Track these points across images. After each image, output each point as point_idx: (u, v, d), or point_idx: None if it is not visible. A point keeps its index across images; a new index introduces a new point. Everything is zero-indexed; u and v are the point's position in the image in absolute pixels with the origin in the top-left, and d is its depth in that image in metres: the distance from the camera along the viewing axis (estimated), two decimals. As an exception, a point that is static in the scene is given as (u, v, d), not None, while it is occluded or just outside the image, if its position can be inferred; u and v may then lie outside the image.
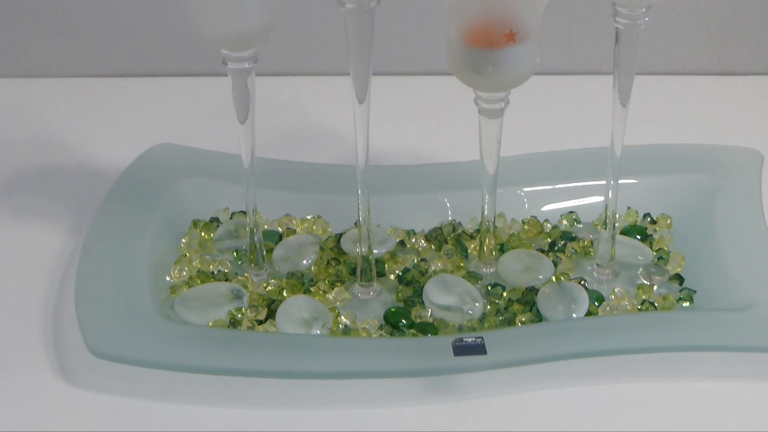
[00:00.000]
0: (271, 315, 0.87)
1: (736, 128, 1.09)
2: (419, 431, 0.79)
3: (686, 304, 0.88)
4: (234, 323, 0.86)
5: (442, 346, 0.81)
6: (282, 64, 1.17)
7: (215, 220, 0.95)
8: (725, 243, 0.90)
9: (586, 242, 0.93)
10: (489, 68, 0.78)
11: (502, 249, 0.92)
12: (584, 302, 0.87)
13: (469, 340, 0.81)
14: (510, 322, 0.86)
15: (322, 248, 0.93)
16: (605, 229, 0.89)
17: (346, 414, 0.80)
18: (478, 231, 0.93)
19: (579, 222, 0.95)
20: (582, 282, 0.89)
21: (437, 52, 1.16)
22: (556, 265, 0.91)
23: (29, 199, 1.00)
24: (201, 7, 0.79)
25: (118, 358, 0.81)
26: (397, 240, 0.93)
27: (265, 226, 0.95)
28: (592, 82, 1.16)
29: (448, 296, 0.87)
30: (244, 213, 0.94)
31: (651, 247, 0.93)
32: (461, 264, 0.91)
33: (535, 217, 0.95)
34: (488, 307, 0.88)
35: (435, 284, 0.88)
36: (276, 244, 0.93)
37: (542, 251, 0.92)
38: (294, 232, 0.95)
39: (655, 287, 0.90)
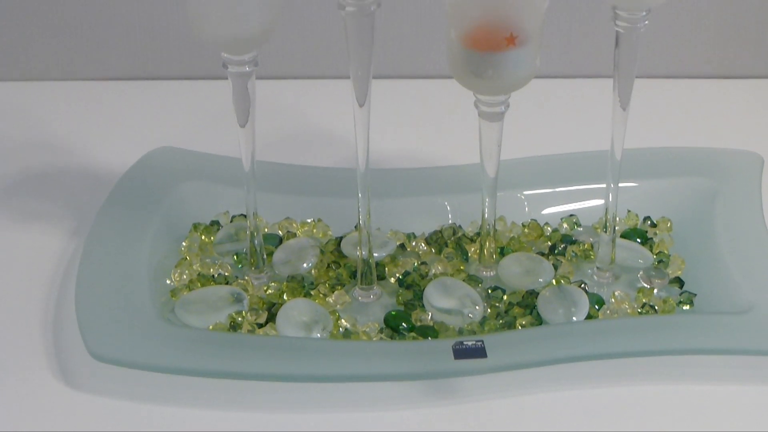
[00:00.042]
0: (271, 318, 0.87)
1: (736, 131, 1.09)
2: (419, 434, 0.79)
3: (686, 307, 0.88)
4: (234, 326, 0.86)
5: (443, 350, 0.81)
6: (282, 67, 1.17)
7: (216, 224, 0.95)
8: (725, 246, 0.90)
9: (586, 245, 0.93)
10: (489, 71, 0.78)
11: (502, 252, 0.92)
12: (584, 305, 0.87)
13: (470, 343, 0.81)
14: (510, 325, 0.86)
15: (322, 251, 0.93)
16: (605, 232, 0.89)
17: (347, 417, 0.80)
18: (478, 234, 0.93)
19: (579, 225, 0.95)
20: (582, 285, 0.89)
21: (437, 55, 1.16)
22: (556, 268, 0.91)
23: (30, 202, 1.00)
24: (201, 10, 0.79)
25: (118, 361, 0.81)
26: (398, 243, 0.93)
27: (266, 230, 0.95)
28: (593, 86, 1.16)
29: (448, 299, 0.87)
30: (245, 216, 0.94)
31: (651, 251, 0.93)
32: (461, 267, 0.91)
33: (536, 220, 0.95)
34: (488, 310, 0.88)
35: (435, 287, 0.88)
36: (276, 247, 0.93)
37: (542, 254, 0.92)
38: (294, 235, 0.95)
39: (655, 290, 0.90)
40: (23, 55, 1.17)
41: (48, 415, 0.80)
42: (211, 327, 0.86)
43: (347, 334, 0.86)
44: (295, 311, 0.86)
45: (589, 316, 0.87)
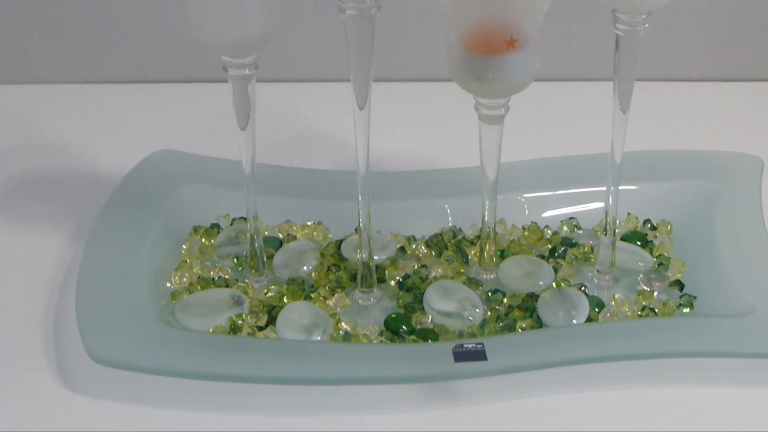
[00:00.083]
0: (271, 321, 0.87)
1: (736, 134, 1.09)
2: (420, 437, 0.79)
3: (686, 310, 0.88)
4: (234, 329, 0.86)
5: (443, 352, 0.81)
6: (283, 70, 1.17)
7: (216, 227, 0.95)
8: (725, 249, 0.90)
9: (586, 248, 0.93)
10: (489, 74, 0.78)
11: (502, 255, 0.92)
12: (584, 308, 0.87)
13: (470, 346, 0.81)
14: (510, 328, 0.86)
15: (322, 254, 0.93)
16: (605, 235, 0.89)
17: (347, 420, 0.80)
18: (478, 237, 0.93)
19: (579, 228, 0.95)
20: (582, 288, 0.89)
21: (437, 58, 1.16)
22: (556, 271, 0.91)
23: (30, 205, 1.00)
24: (202, 13, 0.79)
25: (118, 364, 0.81)
26: (398, 246, 0.93)
27: (266, 233, 0.95)
28: (593, 88, 1.16)
29: (448, 302, 0.87)
30: (245, 219, 0.94)
31: (651, 253, 0.93)
32: (462, 270, 0.91)
33: (536, 223, 0.95)
34: (488, 313, 0.88)
35: (435, 290, 0.88)
36: (276, 250, 0.93)
37: (543, 257, 0.92)
38: (294, 238, 0.95)
39: (655, 293, 0.90)
40: (24, 58, 1.17)
41: (48, 417, 0.80)
42: (211, 330, 0.86)
43: (347, 336, 0.86)
44: (296, 314, 0.86)
45: (589, 319, 0.87)
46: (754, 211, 0.93)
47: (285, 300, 0.89)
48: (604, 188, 0.88)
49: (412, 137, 1.09)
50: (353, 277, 0.90)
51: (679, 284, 0.90)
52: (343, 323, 0.87)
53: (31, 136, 1.10)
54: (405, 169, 1.01)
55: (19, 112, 1.14)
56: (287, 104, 1.14)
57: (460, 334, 0.86)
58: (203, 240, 0.94)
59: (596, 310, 0.87)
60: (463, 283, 0.89)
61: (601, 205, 0.90)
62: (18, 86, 1.18)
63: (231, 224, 0.96)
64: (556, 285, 0.90)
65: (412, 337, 0.86)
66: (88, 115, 1.13)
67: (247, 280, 0.91)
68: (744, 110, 1.14)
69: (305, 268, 0.92)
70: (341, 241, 0.94)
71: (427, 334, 0.85)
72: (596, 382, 0.82)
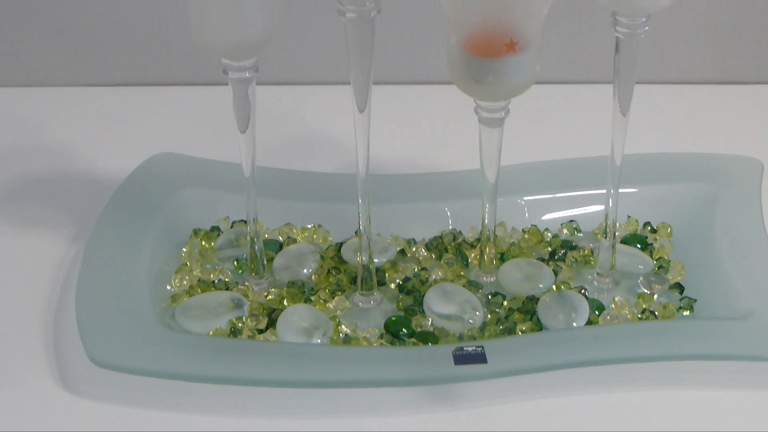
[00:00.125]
0: (271, 324, 0.87)
1: (736, 137, 1.09)
2: (420, 440, 0.79)
3: (686, 312, 0.88)
4: (234, 332, 0.86)
5: (443, 355, 0.81)
6: (283, 73, 1.17)
7: (216, 229, 0.96)
8: (725, 252, 0.90)
9: (586, 251, 0.93)
10: (489, 77, 0.78)
11: (502, 258, 0.92)
12: (584, 311, 0.87)
13: (470, 349, 0.81)
14: (510, 331, 0.86)
15: (322, 257, 0.93)
16: (605, 238, 0.89)
17: (347, 423, 0.80)
18: (478, 240, 0.93)
19: (579, 231, 0.95)
20: (582, 291, 0.89)
21: (437, 61, 1.16)
22: (556, 274, 0.91)
23: (30, 208, 1.00)
24: (202, 16, 0.79)
25: (118, 366, 0.81)
26: (398, 249, 0.93)
27: (266, 235, 0.95)
28: (593, 91, 1.16)
29: (448, 305, 0.87)
30: (245, 222, 0.94)
31: (651, 256, 0.93)
32: (462, 273, 0.91)
33: (536, 226, 0.95)
34: (489, 316, 0.88)
35: (435, 293, 0.88)
36: (276, 253, 0.93)
37: (543, 260, 0.92)
38: (295, 241, 0.95)
39: (655, 296, 0.90)
40: (24, 60, 1.17)
41: (48, 420, 0.80)
42: (211, 333, 0.86)
43: (347, 339, 0.86)
44: (296, 317, 0.86)
45: (589, 322, 0.87)
46: (754, 214, 0.93)
47: (285, 303, 0.89)
48: (604, 191, 0.88)
49: (412, 140, 1.09)
50: (353, 280, 0.91)
51: (679, 287, 0.90)
52: (343, 326, 0.87)
53: (32, 138, 1.10)
54: (405, 172, 1.01)
55: (20, 114, 1.14)
56: (287, 107, 1.14)
57: (460, 337, 0.86)
58: (203, 243, 0.94)
59: (596, 312, 0.87)
60: (463, 286, 0.89)
61: (601, 207, 0.91)
62: (18, 89, 1.18)
63: (231, 227, 0.96)
64: (556, 288, 0.90)
65: (412, 339, 0.86)
66: (88, 117, 1.14)
67: (247, 283, 0.91)
68: (744, 113, 1.14)
69: (305, 270, 0.92)
70: (341, 243, 0.94)
71: (427, 337, 0.85)
72: (596, 385, 0.82)
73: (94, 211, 0.96)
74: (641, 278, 0.91)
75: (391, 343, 0.85)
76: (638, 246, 0.94)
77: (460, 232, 0.95)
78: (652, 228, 0.95)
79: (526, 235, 0.94)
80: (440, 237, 0.94)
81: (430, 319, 0.87)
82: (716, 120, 1.12)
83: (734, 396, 0.81)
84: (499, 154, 0.84)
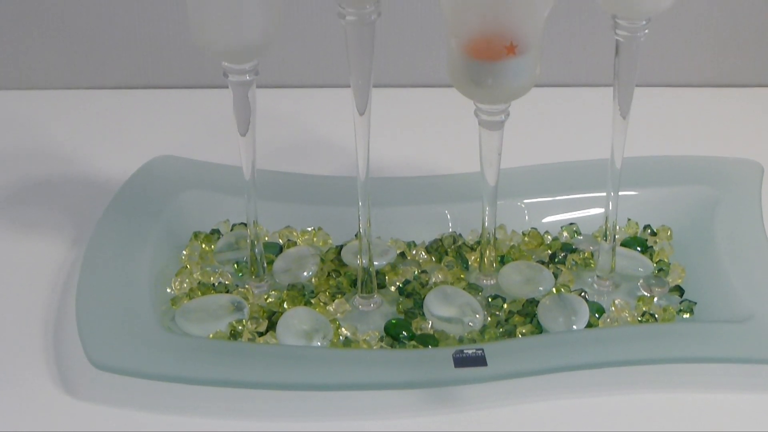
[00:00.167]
0: (271, 327, 0.87)
1: (737, 140, 1.09)
2: (420, 443, 0.79)
3: (686, 315, 0.88)
4: (235, 335, 0.86)
5: (443, 358, 0.81)
6: (283, 76, 1.17)
7: (216, 232, 0.96)
8: (725, 255, 0.90)
9: (586, 254, 0.93)
10: (489, 80, 0.78)
11: (502, 261, 0.92)
12: (585, 314, 0.87)
13: (470, 351, 0.81)
14: (510, 333, 0.86)
15: (322, 260, 0.93)
16: (605, 240, 0.89)
17: (347, 425, 0.80)
18: (478, 243, 0.93)
19: (579, 234, 0.95)
20: (582, 294, 0.89)
21: (437, 64, 1.16)
22: (556, 276, 0.91)
23: (30, 211, 1.00)
24: (202, 19, 0.79)
25: (118, 369, 0.81)
26: (398, 252, 0.93)
27: (266, 238, 0.95)
28: (593, 94, 1.16)
29: (448, 308, 0.87)
30: (245, 225, 0.94)
31: (651, 259, 0.93)
32: (462, 276, 0.91)
33: (536, 228, 0.95)
34: (489, 318, 0.88)
35: (435, 296, 0.88)
36: (277, 255, 0.93)
37: (543, 263, 0.92)
38: (295, 243, 0.95)
39: (655, 299, 0.90)
40: (24, 63, 1.17)
41: (48, 422, 0.80)
42: (211, 335, 0.86)
43: (347, 342, 0.86)
44: (296, 320, 0.86)
45: (589, 325, 0.87)
46: (754, 217, 0.93)
47: (285, 305, 0.89)
48: (604, 194, 0.88)
49: (412, 143, 1.09)
50: (353, 283, 0.91)
51: (679, 290, 0.90)
52: (343, 329, 0.87)
53: (32, 141, 1.10)
54: (405, 175, 1.01)
55: (20, 117, 1.14)
56: (287, 110, 1.14)
57: (461, 340, 0.86)
58: (203, 245, 0.94)
59: (596, 315, 0.87)
60: (464, 289, 0.89)
61: (601, 210, 0.91)
62: (19, 92, 1.18)
63: (231, 230, 0.96)
64: (556, 290, 0.90)
65: (413, 342, 0.86)
66: (88, 120, 1.14)
67: (247, 286, 0.91)
68: (744, 116, 1.14)
69: (305, 273, 0.92)
70: (341, 246, 0.94)
71: (428, 340, 0.85)
72: (596, 387, 0.82)
73: (95, 214, 0.96)
74: (641, 281, 0.91)
75: (391, 346, 0.85)
76: (638, 249, 0.94)
77: (460, 235, 0.95)
78: (652, 231, 0.95)
79: (526, 238, 0.94)
80: (440, 240, 0.94)
81: (430, 322, 0.87)
82: (716, 123, 1.12)
83: (734, 399, 0.81)
84: (499, 156, 0.84)
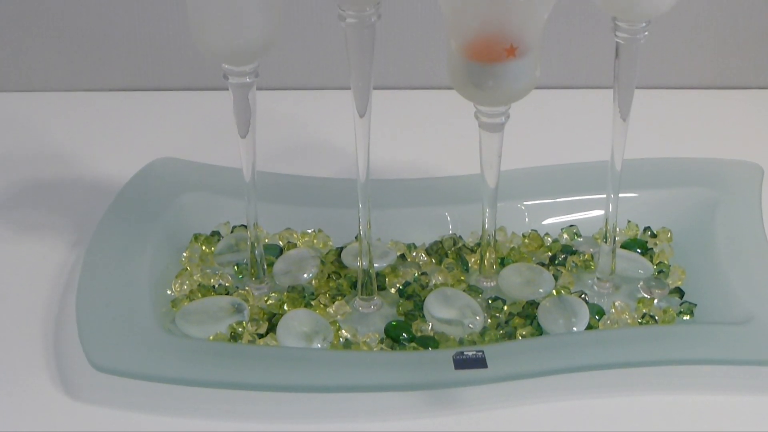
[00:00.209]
0: (271, 329, 0.87)
1: (737, 142, 1.09)
2: (420, 445, 0.79)
3: (687, 317, 0.88)
4: (235, 337, 0.86)
5: (443, 360, 0.81)
6: (283, 78, 1.17)
7: (216, 234, 0.96)
8: (726, 257, 0.90)
9: (586, 256, 0.93)
10: (489, 82, 0.78)
11: (502, 263, 0.92)
12: (585, 316, 0.87)
13: (470, 353, 0.81)
14: (511, 335, 0.86)
15: (322, 262, 0.93)
16: (606, 242, 0.90)
17: (347, 427, 0.80)
18: (478, 245, 0.93)
19: (579, 236, 0.95)
20: (582, 295, 0.89)
21: (437, 66, 1.16)
22: (556, 278, 0.91)
23: (30, 213, 1.00)
24: (202, 21, 0.79)
25: (118, 371, 0.81)
26: (398, 254, 0.93)
27: (266, 240, 0.95)
28: (593, 96, 1.16)
29: (448, 310, 0.87)
30: (245, 227, 0.94)
31: (651, 261, 0.93)
32: (462, 278, 0.91)
33: (536, 230, 0.95)
34: (489, 320, 0.88)
35: (436, 298, 0.88)
36: (277, 257, 0.93)
37: (543, 265, 0.92)
38: (295, 245, 0.95)
39: (655, 301, 0.90)
40: (24, 65, 1.17)
41: (48, 424, 0.80)
42: (211, 337, 0.86)
43: (348, 344, 0.86)
44: (296, 321, 0.86)
45: (589, 327, 0.87)
46: (754, 219, 0.93)
47: (285, 307, 0.89)
48: (605, 196, 0.89)
49: (412, 145, 1.09)
50: (353, 285, 0.91)
51: (680, 292, 0.90)
52: (343, 331, 0.87)
53: (32, 143, 1.10)
54: (405, 177, 1.01)
55: (20, 119, 1.14)
56: (287, 112, 1.14)
57: (461, 342, 0.86)
58: (204, 248, 0.94)
59: (596, 317, 0.87)
60: (464, 291, 0.89)
61: (602, 212, 0.91)
62: (18, 94, 1.18)
63: (231, 232, 0.96)
64: (557, 292, 0.90)
65: (413, 344, 0.86)
66: (88, 122, 1.14)
67: (247, 288, 0.91)
68: (744, 118, 1.14)
69: (305, 275, 0.92)
70: (341, 248, 0.94)
71: (428, 342, 0.85)
72: (596, 389, 0.82)
73: (95, 216, 0.96)
74: (641, 283, 0.91)
75: (392, 348, 0.85)
76: (638, 251, 0.94)
77: (460, 237, 0.95)
78: (653, 233, 0.95)
79: (526, 240, 0.94)
80: (440, 242, 0.94)
81: (431, 324, 0.87)
82: (716, 125, 1.12)
83: (734, 400, 0.81)
84: (500, 159, 0.85)
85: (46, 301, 0.90)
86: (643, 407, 0.81)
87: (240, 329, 0.86)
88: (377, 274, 0.90)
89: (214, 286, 0.91)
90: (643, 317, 0.87)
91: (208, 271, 0.93)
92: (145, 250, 0.91)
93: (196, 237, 0.95)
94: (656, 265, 0.92)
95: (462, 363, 0.80)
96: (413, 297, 0.89)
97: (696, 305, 0.88)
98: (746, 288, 0.87)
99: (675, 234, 0.95)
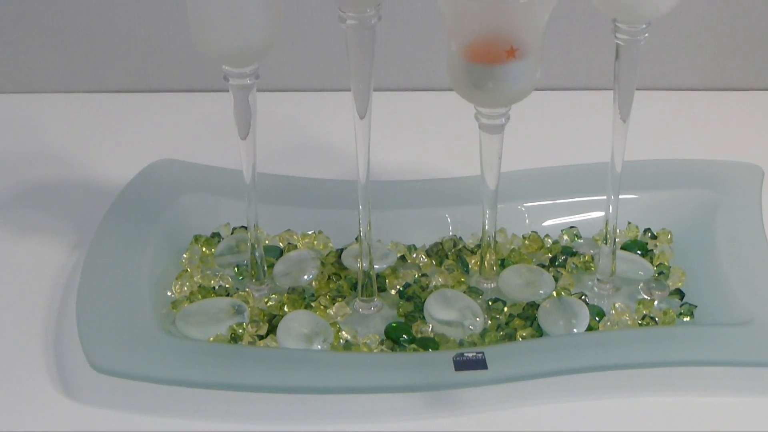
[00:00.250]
0: (272, 330, 0.87)
1: (737, 143, 1.09)
2: (420, 446, 0.79)
3: (687, 319, 0.88)
4: (235, 338, 0.86)
5: (443, 361, 0.81)
6: (283, 79, 1.17)
7: (216, 236, 0.96)
8: (726, 258, 0.90)
9: (586, 257, 0.93)
10: (489, 84, 0.78)
11: (502, 264, 0.92)
12: (585, 317, 0.87)
13: (470, 355, 0.81)
14: (511, 337, 0.86)
15: (323, 263, 0.93)
16: (606, 244, 0.90)
17: (348, 429, 0.80)
18: (479, 246, 0.93)
19: (580, 237, 0.95)
20: (583, 297, 0.89)
21: (438, 67, 1.16)
22: (556, 280, 0.91)
23: (31, 214, 1.00)
24: (203, 23, 0.79)
25: (119, 373, 0.81)
26: (398, 255, 0.93)
27: (267, 242, 0.95)
28: (593, 98, 1.16)
29: (449, 311, 0.87)
30: (246, 228, 0.94)
31: (651, 262, 0.93)
32: (462, 279, 0.91)
33: (536, 232, 0.95)
34: (489, 322, 0.88)
35: (436, 299, 0.88)
36: (277, 259, 0.93)
37: (543, 266, 0.92)
38: (295, 247, 0.95)
39: (655, 302, 0.90)
40: (24, 67, 1.17)
41: (48, 425, 0.80)
42: (211, 339, 0.86)
43: (348, 345, 0.86)
44: (296, 323, 0.86)
45: (589, 328, 0.87)
46: (755, 220, 0.93)
47: (285, 309, 0.89)
48: (605, 197, 0.89)
49: (412, 146, 1.09)
50: (354, 286, 0.91)
51: (680, 293, 0.90)
52: (343, 332, 0.87)
53: (32, 145, 1.10)
54: (405, 178, 1.01)
55: (20, 121, 1.14)
56: (288, 113, 1.14)
57: (461, 343, 0.86)
58: (204, 249, 0.94)
59: (596, 319, 0.87)
60: (464, 292, 0.89)
61: (602, 214, 0.91)
62: (19, 95, 1.18)
63: (232, 233, 0.96)
64: (557, 294, 0.90)
65: (413, 346, 0.86)
66: (89, 124, 1.14)
67: (247, 289, 0.91)
68: (744, 119, 1.14)
69: (306, 277, 0.92)
70: (342, 250, 0.94)
71: (428, 343, 0.85)
72: (597, 390, 0.82)
73: (95, 218, 0.96)
74: (641, 284, 0.91)
75: (392, 349, 0.85)
76: (638, 252, 0.94)
77: (460, 239, 0.95)
78: (653, 234, 0.95)
79: (526, 242, 0.94)
80: (441, 243, 0.94)
81: (431, 325, 0.87)
82: (716, 126, 1.12)
83: (734, 402, 0.81)
84: (500, 160, 0.85)
85: (46, 302, 0.90)
86: (643, 409, 0.81)
87: (240, 331, 0.86)
88: (377, 275, 0.91)
89: (214, 288, 0.91)
90: (643, 319, 0.87)
91: (208, 272, 0.93)
92: (146, 251, 0.91)
93: (196, 238, 0.95)
94: (656, 266, 0.92)
95: (462, 364, 0.80)
96: (413, 298, 0.89)
97: (696, 307, 0.88)
98: (746, 289, 0.87)
99: (675, 235, 0.95)
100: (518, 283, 0.90)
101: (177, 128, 1.13)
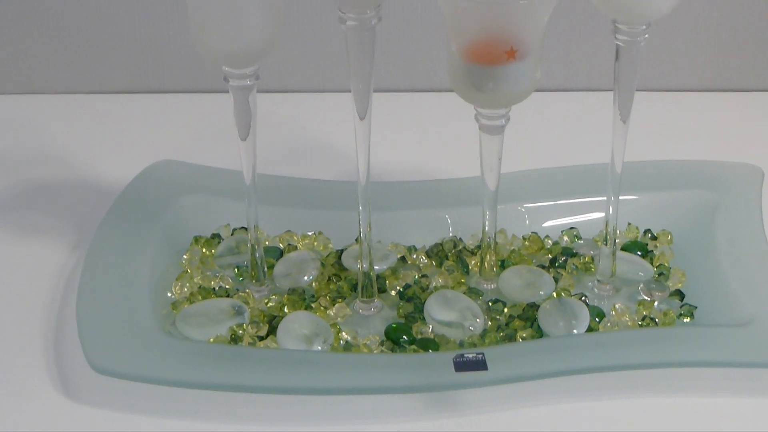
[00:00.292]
0: (272, 331, 0.87)
1: (737, 144, 1.09)
2: (420, 447, 0.79)
3: (687, 319, 0.88)
4: (235, 339, 0.86)
5: (444, 362, 0.81)
6: (283, 80, 1.17)
7: (216, 237, 0.96)
8: (726, 259, 0.90)
9: (586, 258, 0.93)
10: (490, 85, 0.78)
11: (503, 265, 0.92)
12: (585, 318, 0.87)
13: (470, 356, 0.81)
14: (511, 338, 0.86)
15: (323, 264, 0.93)
16: (606, 245, 0.90)
17: (348, 430, 0.80)
18: (479, 247, 0.93)
19: (580, 238, 0.95)
20: (583, 298, 0.89)
21: (438, 68, 1.16)
22: (556, 281, 0.91)
23: (31, 215, 1.00)
24: (203, 24, 0.79)
25: (119, 373, 0.81)
26: (398, 256, 0.93)
27: (267, 243, 0.95)
28: (593, 99, 1.16)
29: (449, 312, 0.87)
30: (246, 229, 0.94)
31: (652, 263, 0.93)
32: (462, 280, 0.91)
33: (536, 233, 0.95)
34: (489, 323, 0.88)
35: (436, 300, 0.88)
36: (277, 260, 0.93)
37: (543, 267, 0.92)
38: (295, 248, 0.95)
39: (655, 303, 0.90)
40: (24, 68, 1.17)
41: (48, 426, 0.80)
42: (211, 339, 0.86)
43: (348, 346, 0.86)
44: (296, 324, 0.86)
45: (589, 329, 0.87)
46: (755, 221, 0.93)
47: (286, 310, 0.89)
48: (605, 198, 0.89)
49: (412, 147, 1.09)
50: (354, 287, 0.91)
51: (680, 294, 0.90)
52: (343, 333, 0.87)
53: (32, 146, 1.10)
54: (405, 179, 1.01)
55: (20, 121, 1.14)
56: (288, 114, 1.14)
57: (461, 344, 0.86)
58: (204, 250, 0.94)
59: (597, 319, 0.87)
60: (464, 293, 0.89)
61: (602, 215, 0.91)
62: (19, 96, 1.18)
63: (232, 234, 0.96)
64: (557, 295, 0.90)
65: (413, 346, 0.86)
66: (89, 124, 1.14)
67: (247, 290, 0.91)
68: (744, 120, 1.14)
69: (306, 278, 0.92)
70: (342, 251, 0.94)
71: (428, 344, 0.85)
72: (597, 391, 0.82)
73: (95, 219, 0.96)
74: (642, 285, 0.91)
75: (392, 350, 0.85)
76: (639, 253, 0.94)
77: (460, 239, 0.95)
78: (653, 235, 0.95)
79: (526, 243, 0.94)
80: (441, 244, 0.94)
81: (431, 326, 0.87)
82: (716, 127, 1.13)
83: (735, 403, 0.81)
84: (500, 161, 0.85)
85: (46, 303, 0.90)
86: (643, 409, 0.81)
87: (240, 331, 0.86)
88: (377, 276, 0.91)
89: (214, 289, 0.91)
90: (643, 319, 0.87)
91: (208, 273, 0.93)
92: (146, 252, 0.91)
93: (196, 239, 0.95)
94: (656, 267, 0.92)
95: (462, 365, 0.80)
96: (413, 299, 0.89)
97: (696, 307, 0.88)
98: (746, 290, 0.87)
99: (675, 236, 0.95)
100: (518, 284, 0.90)
101: (177, 129, 1.13)
